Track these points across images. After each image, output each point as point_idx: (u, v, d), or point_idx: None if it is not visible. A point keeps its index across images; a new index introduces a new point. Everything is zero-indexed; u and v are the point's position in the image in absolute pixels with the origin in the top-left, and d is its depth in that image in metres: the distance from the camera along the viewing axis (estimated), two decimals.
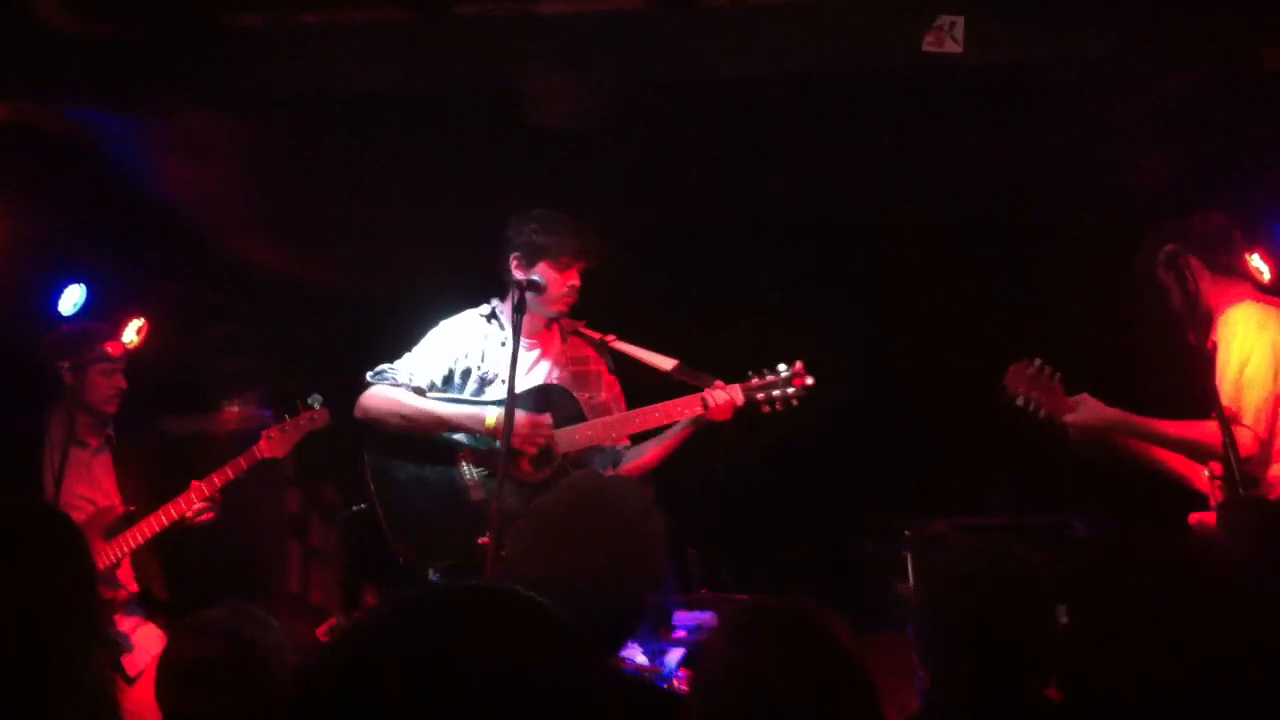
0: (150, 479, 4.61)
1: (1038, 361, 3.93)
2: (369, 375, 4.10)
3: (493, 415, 3.91)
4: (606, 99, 4.25)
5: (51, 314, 5.11)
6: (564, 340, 4.20)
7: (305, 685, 1.20)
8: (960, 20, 4.22)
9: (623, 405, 4.10)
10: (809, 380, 4.02)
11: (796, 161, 5.07)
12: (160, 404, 5.14)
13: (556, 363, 4.15)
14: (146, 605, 4.60)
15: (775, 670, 1.87)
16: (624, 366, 4.21)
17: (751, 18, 4.30)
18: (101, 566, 4.39)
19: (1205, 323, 3.94)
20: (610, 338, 4.18)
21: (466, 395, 4.09)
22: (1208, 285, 3.95)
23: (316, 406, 4.42)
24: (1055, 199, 5.22)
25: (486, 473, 3.98)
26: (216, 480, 4.41)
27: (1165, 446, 3.94)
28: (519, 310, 3.90)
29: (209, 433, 5.16)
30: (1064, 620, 1.95)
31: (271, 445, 4.41)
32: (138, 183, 5.15)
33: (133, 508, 4.49)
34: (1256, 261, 4.16)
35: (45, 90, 4.50)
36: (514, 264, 4.06)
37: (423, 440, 4.02)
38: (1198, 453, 3.81)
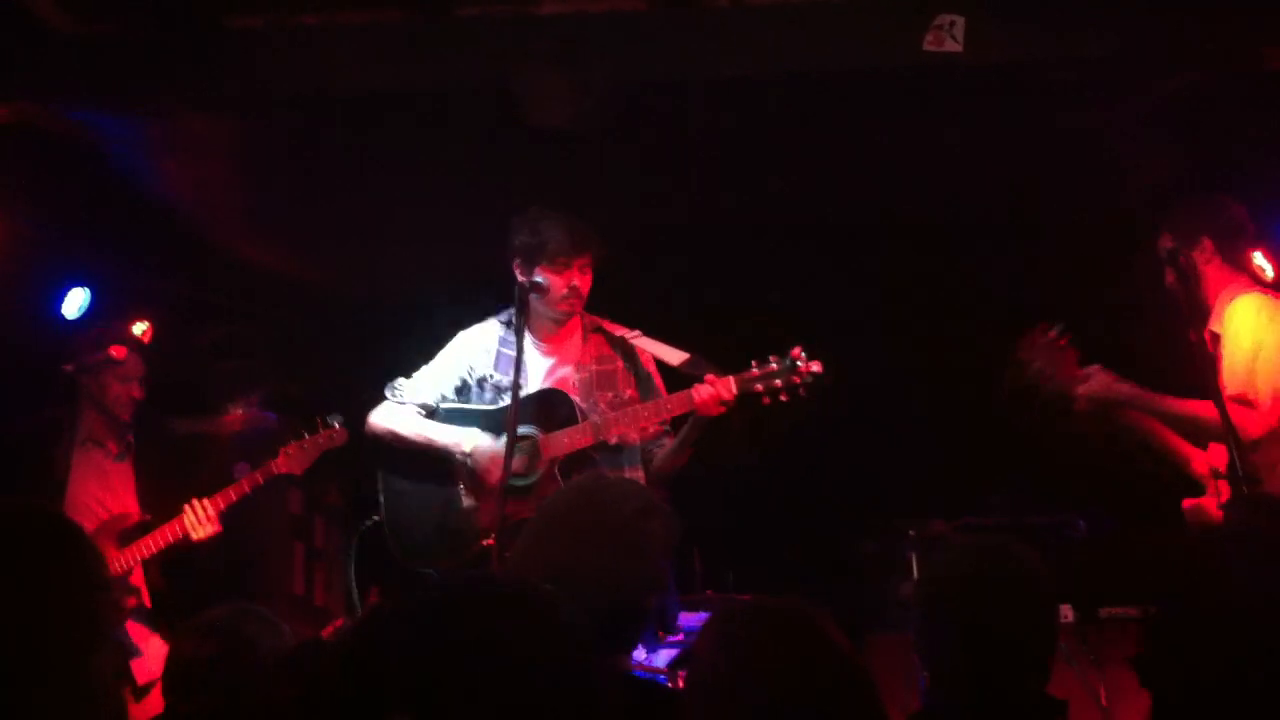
0: (166, 486, 4.61)
1: (1054, 330, 3.93)
2: (386, 390, 4.15)
3: (469, 444, 3.97)
4: (607, 99, 4.24)
5: (55, 316, 5.13)
6: (586, 339, 4.16)
7: (308, 682, 1.22)
8: (961, 20, 4.22)
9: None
10: (815, 366, 3.82)
11: (797, 161, 5.07)
12: (164, 405, 5.14)
13: (578, 364, 4.12)
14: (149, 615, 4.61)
15: (769, 670, 1.87)
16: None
17: (751, 18, 4.30)
18: (113, 573, 4.38)
19: (1203, 312, 3.94)
20: (634, 334, 4.13)
21: (484, 404, 4.09)
22: (1214, 270, 3.95)
23: (336, 426, 4.44)
24: (1055, 199, 5.22)
25: (476, 483, 3.99)
26: (233, 495, 4.43)
27: (1171, 424, 3.95)
28: (520, 313, 3.90)
29: (212, 434, 5.17)
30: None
31: (288, 461, 4.44)
32: (140, 184, 5.16)
33: (148, 516, 4.50)
34: (1259, 259, 4.17)
35: (46, 91, 4.51)
36: (516, 268, 4.06)
37: (423, 453, 4.06)
38: (1204, 431, 3.81)
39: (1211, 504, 3.83)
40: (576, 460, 3.92)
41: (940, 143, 4.88)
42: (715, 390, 3.81)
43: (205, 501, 4.39)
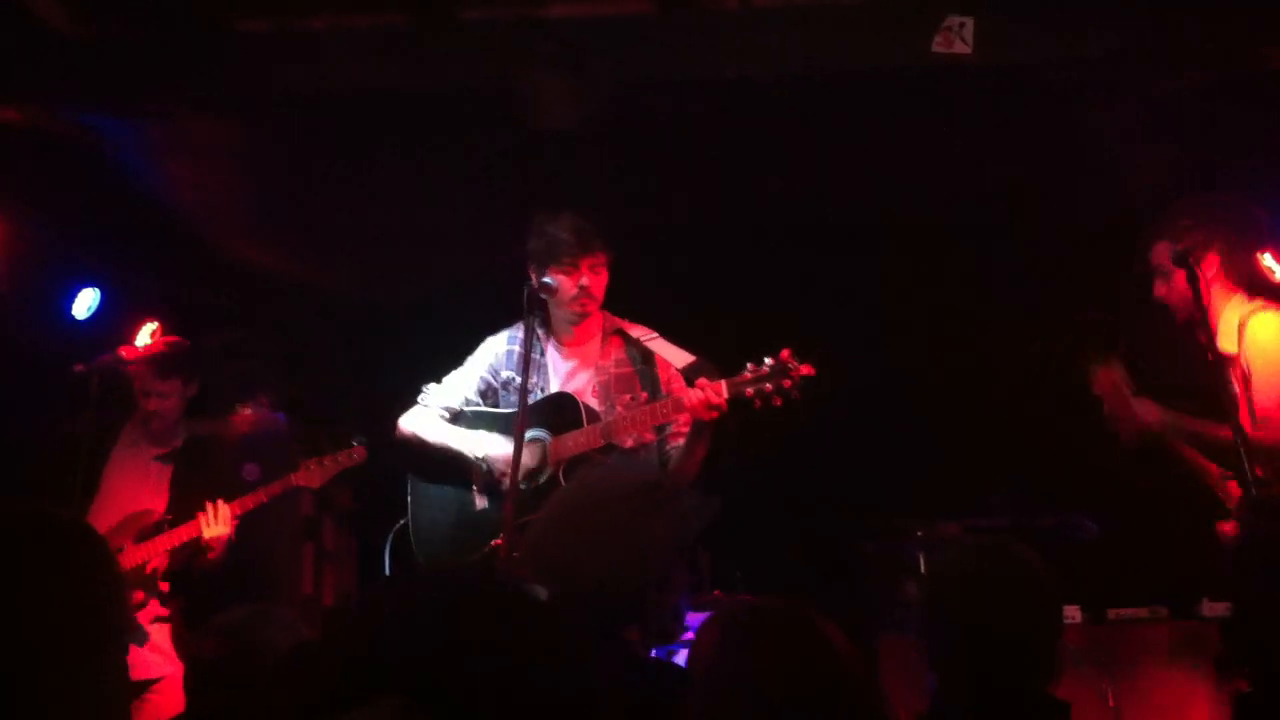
0: (197, 493, 4.67)
1: (1122, 371, 3.92)
2: (419, 396, 4.23)
3: (481, 449, 4.04)
4: (611, 102, 4.25)
5: (65, 318, 5.15)
6: (605, 341, 4.17)
7: (308, 681, 1.23)
8: (970, 21, 4.22)
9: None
10: (805, 369, 3.76)
11: (802, 163, 5.07)
12: None
13: (597, 367, 4.13)
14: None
15: (768, 672, 1.88)
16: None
17: (758, 20, 4.30)
18: (125, 566, 4.47)
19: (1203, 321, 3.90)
20: (650, 335, 4.12)
21: (508, 407, 4.12)
22: (1216, 282, 3.91)
23: (356, 445, 4.53)
24: (1060, 199, 5.22)
25: (490, 486, 4.04)
26: (250, 502, 4.54)
27: (1205, 447, 3.92)
28: (530, 314, 3.92)
29: (221, 436, 5.19)
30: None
31: (307, 475, 4.54)
32: (148, 186, 5.18)
33: (169, 516, 4.56)
34: (1268, 261, 4.14)
35: (51, 95, 4.53)
36: (531, 272, 4.08)
37: (445, 457, 4.13)
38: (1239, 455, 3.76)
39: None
40: (584, 462, 3.94)
41: (944, 144, 4.88)
42: (705, 395, 3.78)
43: (222, 504, 4.45)
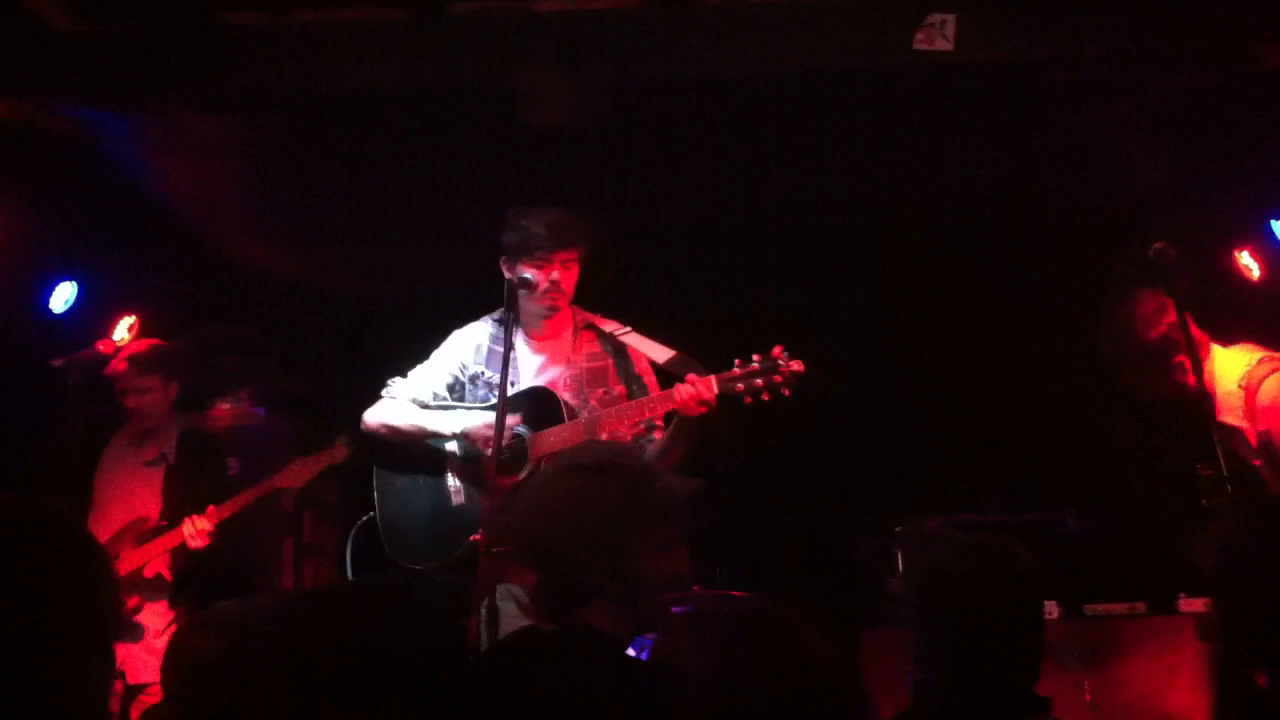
0: (191, 495, 4.70)
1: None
2: (382, 391, 4.16)
3: (460, 424, 3.96)
4: (603, 97, 4.25)
5: (43, 311, 5.12)
6: (576, 335, 4.16)
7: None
8: (951, 18, 4.23)
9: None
10: (796, 366, 3.75)
11: (791, 159, 5.08)
12: None
13: (569, 362, 4.11)
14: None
15: (743, 673, 1.88)
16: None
17: (744, 16, 4.31)
18: (123, 571, 4.52)
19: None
20: (624, 330, 4.11)
21: (477, 402, 4.09)
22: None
23: (339, 445, 4.55)
24: (1049, 197, 5.24)
25: (468, 479, 3.99)
26: (233, 507, 4.60)
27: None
28: (510, 309, 3.90)
29: (202, 430, 5.17)
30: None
31: (290, 476, 4.56)
32: (132, 180, 5.16)
33: (164, 521, 4.56)
34: (1245, 259, 4.17)
35: (42, 88, 4.51)
36: (503, 265, 4.06)
37: (418, 451, 4.05)
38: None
39: None
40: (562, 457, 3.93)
41: (935, 142, 4.90)
42: (695, 390, 3.77)
43: (201, 518, 4.53)
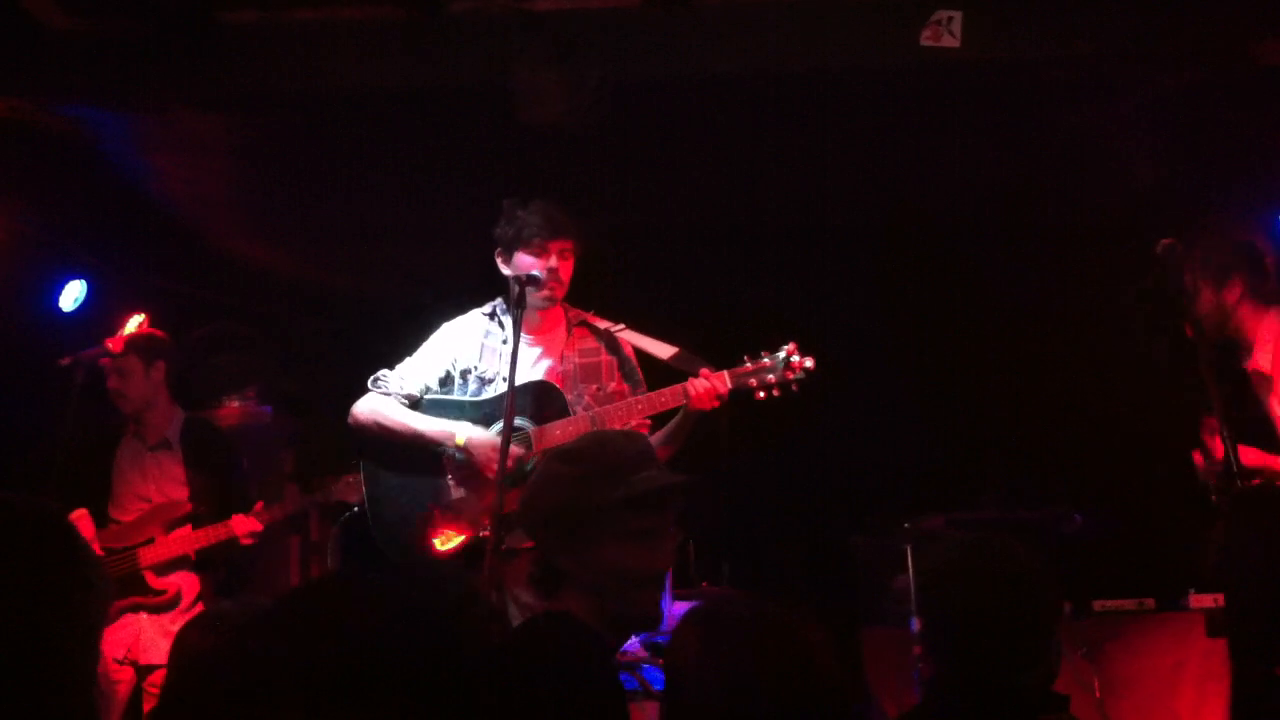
0: (217, 480, 4.74)
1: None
2: (369, 382, 4.11)
3: (462, 435, 3.92)
4: (602, 96, 4.24)
5: (52, 310, 5.14)
6: (569, 332, 4.15)
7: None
8: (958, 15, 4.22)
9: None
10: (808, 363, 3.83)
11: (792, 158, 5.07)
12: None
13: (561, 357, 4.11)
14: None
15: (744, 674, 1.87)
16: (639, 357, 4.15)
17: (747, 14, 4.30)
18: (165, 556, 4.57)
19: (1241, 341, 3.97)
20: (619, 327, 4.12)
21: (467, 396, 4.07)
22: (1246, 308, 3.96)
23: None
24: (1050, 197, 5.23)
25: (464, 475, 3.97)
26: (286, 510, 4.66)
27: None
28: (519, 306, 3.88)
29: (204, 418, 5.19)
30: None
31: (348, 490, 4.58)
32: (135, 180, 5.17)
33: (202, 509, 4.59)
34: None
35: (40, 88, 4.51)
36: (499, 261, 4.05)
37: (409, 445, 4.01)
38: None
39: None
40: None
41: (936, 140, 4.89)
42: (711, 385, 3.81)
43: (252, 518, 4.60)
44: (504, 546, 3.61)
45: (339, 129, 4.83)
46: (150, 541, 4.60)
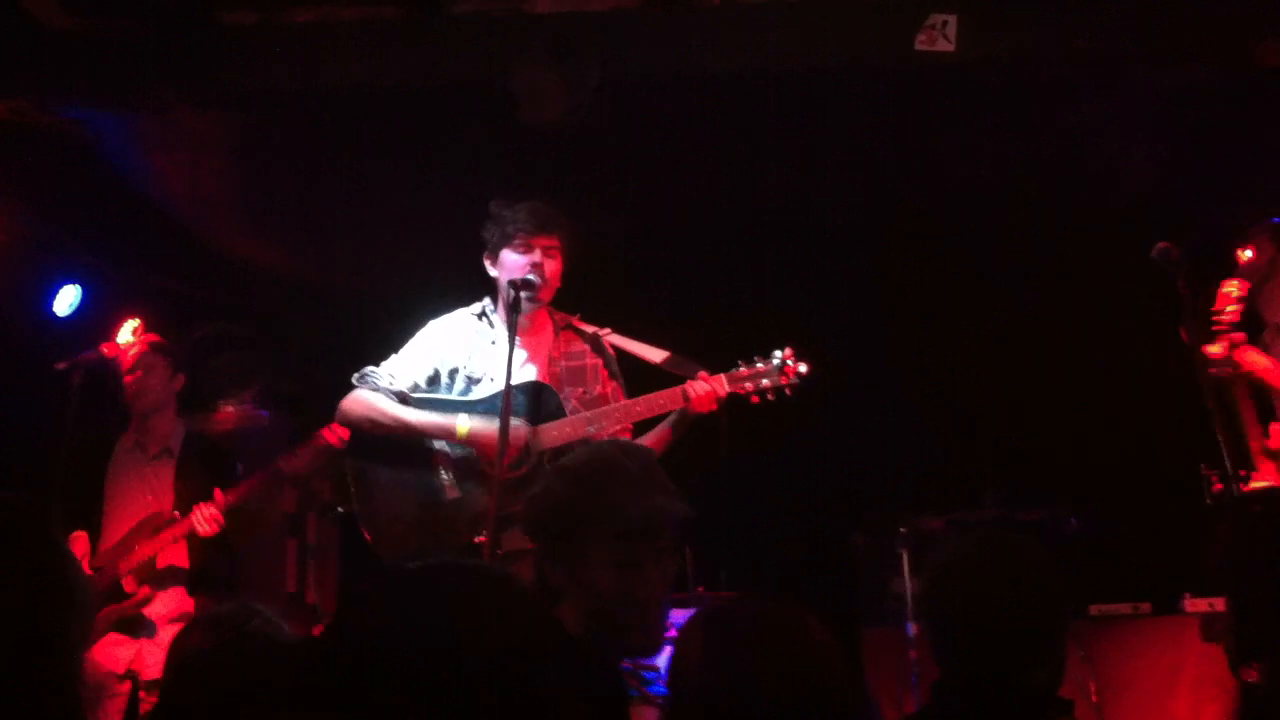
0: (200, 488, 4.68)
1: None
2: (354, 378, 4.07)
3: (464, 426, 3.86)
4: (601, 96, 4.24)
5: (47, 314, 5.13)
6: (556, 335, 4.14)
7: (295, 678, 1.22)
8: (953, 19, 4.23)
9: (622, 399, 4.05)
10: (802, 368, 3.82)
11: (792, 157, 5.08)
12: None
13: (548, 359, 4.10)
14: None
15: (751, 673, 1.87)
16: (621, 360, 4.15)
17: (745, 17, 4.31)
18: (134, 562, 4.53)
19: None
20: (605, 331, 4.12)
21: (454, 395, 4.04)
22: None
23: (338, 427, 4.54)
24: (1052, 195, 5.24)
25: (462, 473, 3.95)
26: (243, 490, 4.55)
27: None
28: (514, 310, 3.86)
29: (207, 432, 5.18)
30: None
31: (293, 461, 4.54)
32: (132, 181, 5.16)
33: (176, 513, 4.58)
34: (1248, 255, 4.22)
35: (38, 88, 4.50)
36: (487, 263, 4.04)
37: (401, 443, 3.97)
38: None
39: None
40: (564, 453, 3.89)
41: (933, 140, 4.90)
42: (711, 388, 3.81)
43: (210, 505, 4.51)
44: (501, 550, 3.60)
45: (338, 129, 4.83)
46: (132, 551, 4.55)
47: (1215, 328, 3.93)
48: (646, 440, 4.00)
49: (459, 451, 3.92)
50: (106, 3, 4.30)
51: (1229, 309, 4.08)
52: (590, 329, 4.11)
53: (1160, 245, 3.89)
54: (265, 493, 4.76)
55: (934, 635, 2.26)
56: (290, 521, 6.42)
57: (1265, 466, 4.09)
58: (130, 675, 4.51)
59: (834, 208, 5.48)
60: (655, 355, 3.98)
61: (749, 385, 3.82)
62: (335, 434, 4.39)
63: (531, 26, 4.26)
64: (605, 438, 3.94)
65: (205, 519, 4.48)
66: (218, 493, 4.51)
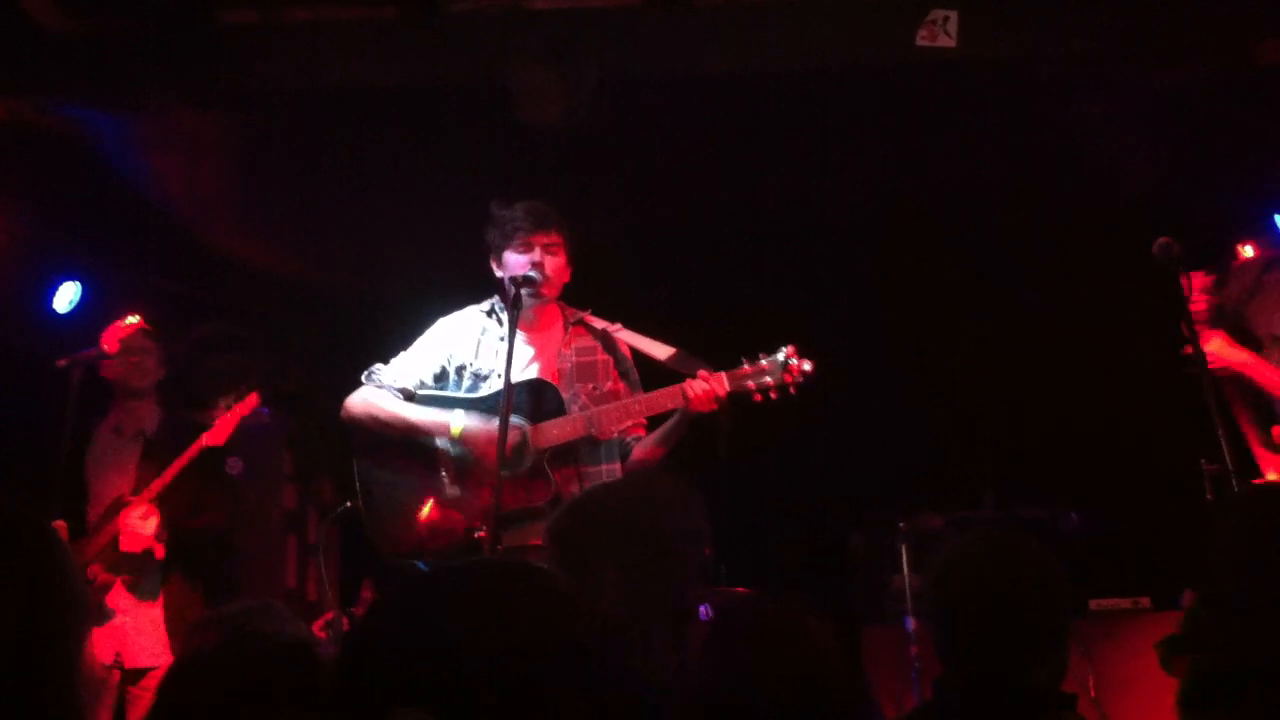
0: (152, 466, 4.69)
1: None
2: (362, 375, 4.08)
3: (458, 426, 3.89)
4: (598, 95, 4.24)
5: (46, 311, 5.13)
6: (566, 330, 4.14)
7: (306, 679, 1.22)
8: (954, 15, 4.23)
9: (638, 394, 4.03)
10: (806, 365, 3.78)
11: (791, 156, 5.08)
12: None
13: (559, 355, 4.09)
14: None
15: (747, 673, 1.87)
16: (635, 357, 4.14)
17: (744, 14, 4.31)
18: (97, 548, 4.52)
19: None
20: (615, 327, 4.10)
21: (462, 392, 4.05)
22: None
23: (252, 393, 4.59)
24: (1051, 194, 5.24)
25: (461, 471, 3.95)
26: (166, 479, 4.53)
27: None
28: (515, 307, 3.87)
29: (204, 429, 5.17)
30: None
31: (213, 435, 4.58)
32: (131, 180, 5.16)
33: (130, 498, 4.57)
34: (1248, 251, 4.23)
35: (37, 88, 4.51)
36: (493, 265, 4.05)
37: (403, 440, 3.99)
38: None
39: None
40: (565, 451, 3.90)
41: (933, 139, 4.89)
42: (710, 386, 3.77)
43: (135, 508, 4.50)
44: (501, 545, 3.60)
45: (337, 128, 4.83)
46: (97, 534, 4.55)
47: (1187, 324, 3.86)
48: (650, 439, 4.00)
49: (457, 450, 3.92)
50: (104, 3, 4.30)
51: (1197, 302, 4.06)
52: (600, 325, 4.09)
53: (1161, 241, 3.89)
54: (255, 488, 4.78)
55: (937, 632, 2.26)
56: (290, 518, 6.43)
57: (1271, 461, 4.09)
58: (117, 664, 4.52)
59: (833, 206, 5.47)
60: (661, 352, 3.96)
61: (750, 384, 3.79)
62: (245, 401, 4.48)
63: (529, 24, 4.26)
64: (612, 438, 3.96)
65: (143, 519, 4.46)
66: (141, 499, 4.48)
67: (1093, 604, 4.82)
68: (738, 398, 3.81)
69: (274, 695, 2.26)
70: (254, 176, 5.22)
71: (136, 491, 4.58)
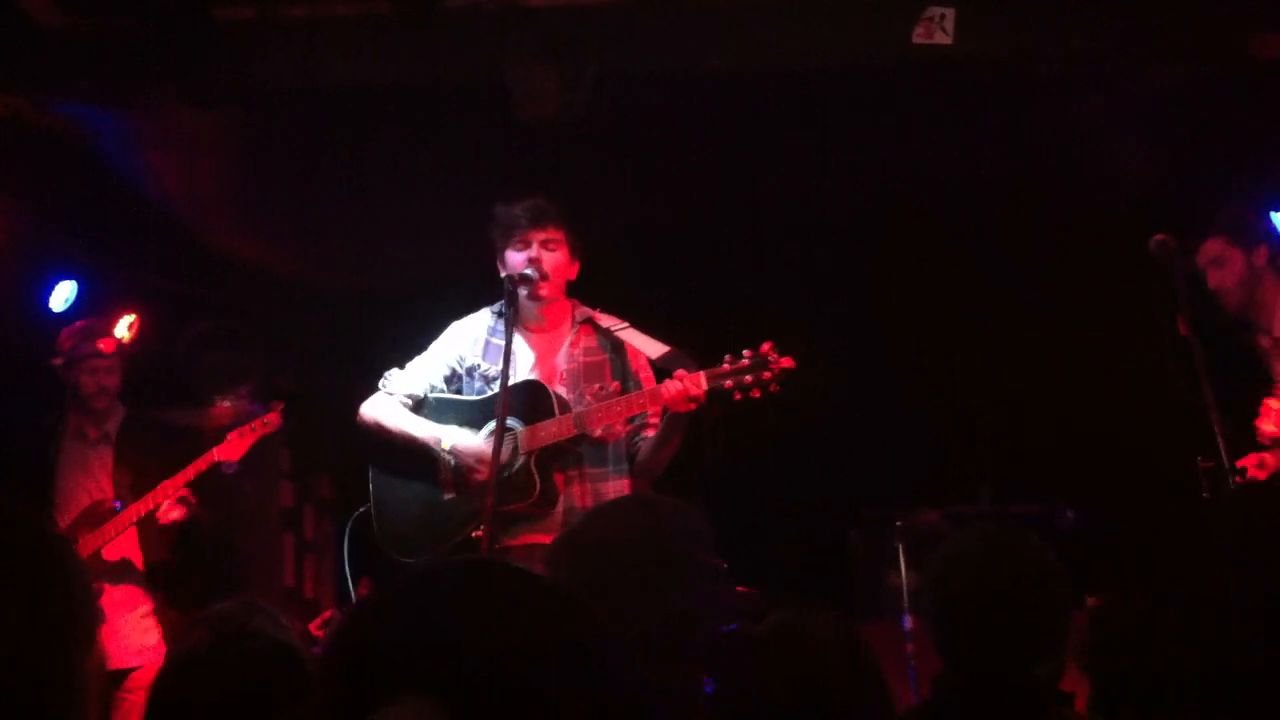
0: (139, 474, 4.66)
1: None
2: (380, 381, 4.11)
3: (448, 441, 3.93)
4: (596, 93, 4.24)
5: (43, 310, 5.12)
6: (574, 330, 4.13)
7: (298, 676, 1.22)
8: (950, 12, 4.23)
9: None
10: (786, 362, 3.65)
11: (787, 154, 5.08)
12: (152, 399, 5.16)
13: (567, 355, 4.07)
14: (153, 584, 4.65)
15: (750, 680, 1.87)
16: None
17: (741, 11, 4.31)
18: (82, 555, 4.44)
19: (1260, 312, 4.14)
20: (621, 325, 4.04)
21: (474, 394, 4.05)
22: (1270, 277, 4.16)
23: (274, 412, 4.55)
24: (1049, 191, 5.24)
25: (458, 475, 3.97)
26: (179, 479, 4.50)
27: None
28: (510, 305, 3.87)
29: (201, 428, 5.17)
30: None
31: (228, 449, 4.53)
32: (129, 178, 5.15)
33: (117, 503, 4.55)
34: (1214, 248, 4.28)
35: (33, 85, 4.50)
36: (499, 264, 4.05)
37: (410, 447, 4.02)
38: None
39: None
40: (556, 453, 3.90)
41: (931, 136, 4.89)
42: (684, 386, 3.68)
43: (167, 483, 4.50)
44: (498, 545, 3.61)
45: (334, 125, 4.83)
46: (75, 543, 4.52)
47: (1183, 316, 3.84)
48: (648, 445, 3.99)
49: (454, 460, 3.96)
50: (102, 0, 4.30)
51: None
52: (607, 323, 4.07)
53: (1158, 238, 3.89)
54: (252, 487, 4.77)
55: (936, 630, 2.26)
56: (287, 516, 6.43)
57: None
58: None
59: (831, 204, 5.47)
60: (655, 350, 3.93)
61: (729, 382, 3.67)
62: (265, 420, 4.47)
63: (526, 21, 4.25)
64: (619, 439, 3.95)
65: (170, 499, 4.45)
66: (164, 482, 4.48)
67: (1089, 600, 4.82)
68: (719, 397, 3.72)
69: (264, 693, 2.27)
70: (251, 174, 5.21)
71: (119, 497, 4.58)
